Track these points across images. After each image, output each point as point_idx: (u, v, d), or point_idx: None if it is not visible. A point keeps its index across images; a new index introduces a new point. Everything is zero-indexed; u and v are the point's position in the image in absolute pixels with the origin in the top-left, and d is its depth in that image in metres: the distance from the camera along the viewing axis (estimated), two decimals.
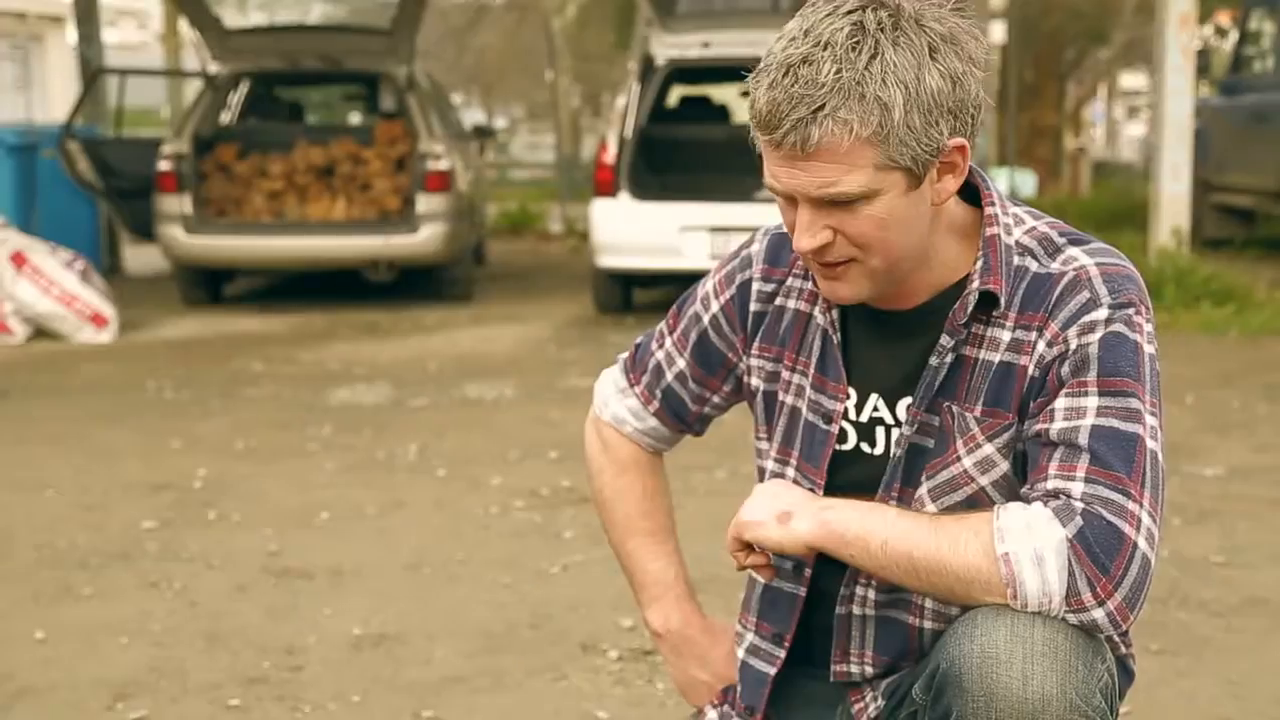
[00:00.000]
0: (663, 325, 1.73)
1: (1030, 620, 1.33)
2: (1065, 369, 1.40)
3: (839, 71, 1.31)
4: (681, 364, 1.69)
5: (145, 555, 3.67)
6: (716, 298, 1.66)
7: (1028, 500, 1.39)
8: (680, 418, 1.72)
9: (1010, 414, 1.44)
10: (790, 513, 1.44)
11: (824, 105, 1.31)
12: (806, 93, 1.32)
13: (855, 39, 1.32)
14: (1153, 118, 8.71)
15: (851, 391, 1.54)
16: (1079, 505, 1.34)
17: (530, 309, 8.53)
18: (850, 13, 1.34)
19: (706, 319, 1.66)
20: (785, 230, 1.63)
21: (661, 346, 1.71)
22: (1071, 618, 1.33)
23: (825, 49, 1.32)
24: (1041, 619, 1.33)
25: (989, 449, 1.45)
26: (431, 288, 8.92)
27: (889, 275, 1.44)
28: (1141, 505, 1.35)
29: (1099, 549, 1.32)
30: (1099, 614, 1.32)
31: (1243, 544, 3.63)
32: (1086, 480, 1.35)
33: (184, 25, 11.03)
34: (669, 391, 1.70)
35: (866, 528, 1.40)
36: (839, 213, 1.38)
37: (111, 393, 5.92)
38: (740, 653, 1.67)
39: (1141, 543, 1.34)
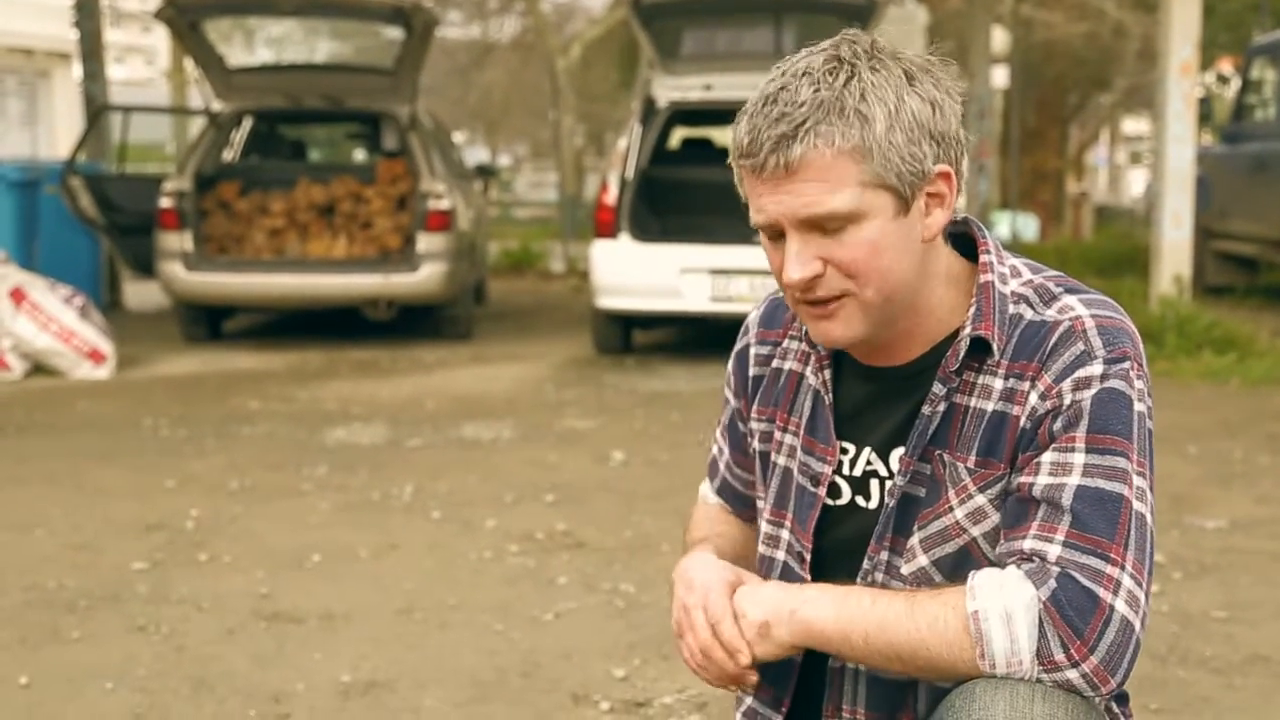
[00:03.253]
0: None
1: (1030, 695, 1.30)
2: (1058, 424, 1.37)
3: (817, 90, 1.33)
4: (727, 453, 1.71)
5: (135, 597, 3.63)
6: (730, 376, 1.68)
7: (1003, 559, 1.37)
8: (743, 503, 1.71)
9: (1003, 465, 1.41)
10: (769, 623, 1.41)
11: (804, 121, 1.32)
12: (785, 112, 1.32)
13: (832, 65, 1.34)
14: (1154, 165, 8.72)
15: (849, 447, 1.52)
16: (1054, 569, 1.32)
17: (530, 349, 8.51)
18: (826, 49, 1.37)
19: (731, 403, 1.69)
20: (781, 295, 1.62)
21: (714, 439, 1.75)
22: (1046, 678, 1.30)
23: (802, 76, 1.34)
24: (1041, 693, 1.30)
25: (981, 500, 1.42)
26: (431, 326, 8.92)
27: (883, 312, 1.41)
28: (1122, 568, 1.32)
29: (1072, 610, 1.30)
30: (1073, 674, 1.30)
31: (1245, 599, 3.58)
32: (1065, 544, 1.33)
33: (189, 62, 11.06)
34: (724, 482, 1.73)
35: (844, 623, 1.38)
36: (828, 240, 1.36)
37: (107, 430, 5.89)
38: (738, 716, 1.64)
39: (1120, 605, 1.31)
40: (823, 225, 1.36)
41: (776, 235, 1.40)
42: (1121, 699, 1.52)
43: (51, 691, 2.99)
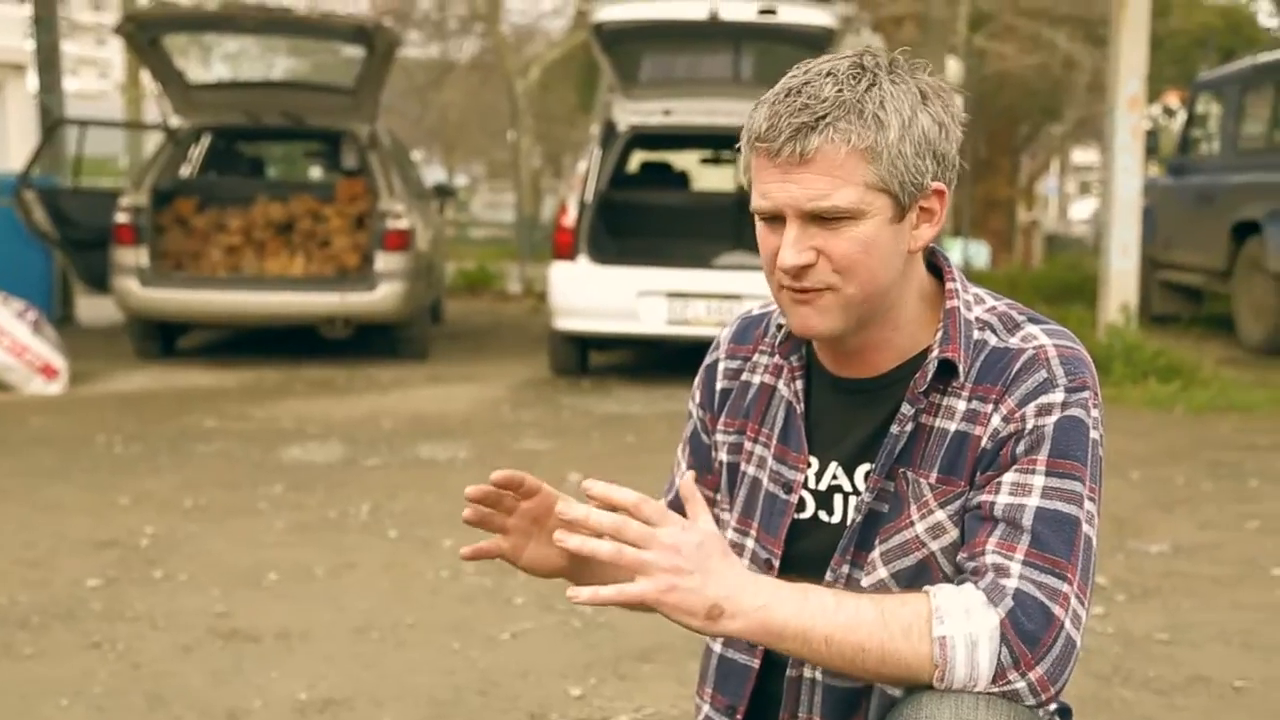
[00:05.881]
0: None
1: (974, 703, 1.35)
2: (1020, 447, 1.44)
3: (840, 90, 1.40)
4: (683, 465, 1.73)
5: (89, 614, 3.62)
6: (696, 390, 1.72)
7: (961, 570, 1.43)
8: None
9: (963, 482, 1.47)
10: (723, 611, 1.35)
11: (825, 115, 1.39)
12: (808, 104, 1.39)
13: (856, 70, 1.42)
14: (1102, 195, 8.88)
15: (813, 460, 1.57)
16: (1013, 585, 1.38)
17: (486, 369, 8.53)
18: (850, 56, 1.44)
19: (695, 416, 1.72)
20: (753, 314, 1.69)
21: (676, 455, 1.77)
22: (994, 689, 1.36)
23: (826, 76, 1.42)
24: (985, 704, 1.36)
25: (940, 515, 1.48)
26: (388, 346, 8.91)
27: (860, 311, 1.47)
28: (1073, 587, 1.40)
29: (1030, 625, 1.36)
30: (1020, 684, 1.36)
31: (1186, 622, 3.67)
32: (1024, 563, 1.39)
33: (146, 77, 11.01)
34: (679, 495, 1.72)
35: (806, 622, 1.36)
36: (825, 233, 1.43)
37: (60, 446, 5.85)
38: None
39: (1068, 623, 1.38)
40: (823, 217, 1.43)
41: (775, 219, 1.46)
42: (1064, 713, 1.58)
43: (5, 707, 2.98)
